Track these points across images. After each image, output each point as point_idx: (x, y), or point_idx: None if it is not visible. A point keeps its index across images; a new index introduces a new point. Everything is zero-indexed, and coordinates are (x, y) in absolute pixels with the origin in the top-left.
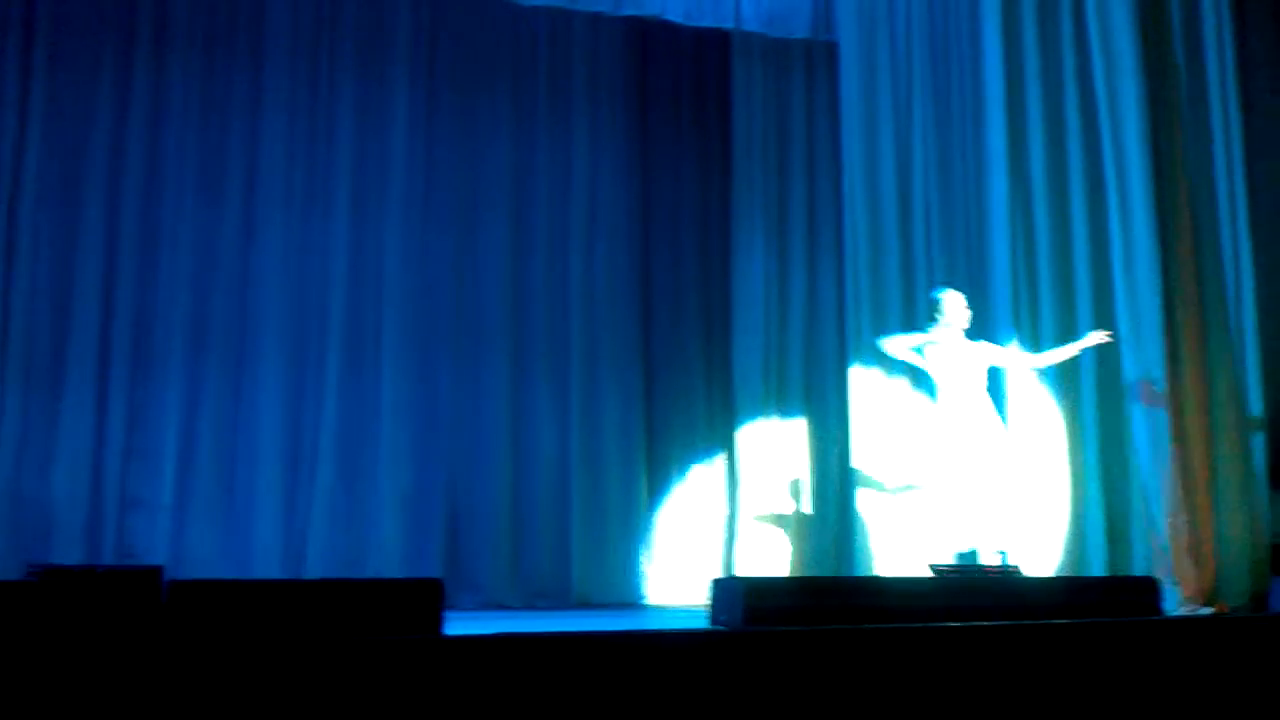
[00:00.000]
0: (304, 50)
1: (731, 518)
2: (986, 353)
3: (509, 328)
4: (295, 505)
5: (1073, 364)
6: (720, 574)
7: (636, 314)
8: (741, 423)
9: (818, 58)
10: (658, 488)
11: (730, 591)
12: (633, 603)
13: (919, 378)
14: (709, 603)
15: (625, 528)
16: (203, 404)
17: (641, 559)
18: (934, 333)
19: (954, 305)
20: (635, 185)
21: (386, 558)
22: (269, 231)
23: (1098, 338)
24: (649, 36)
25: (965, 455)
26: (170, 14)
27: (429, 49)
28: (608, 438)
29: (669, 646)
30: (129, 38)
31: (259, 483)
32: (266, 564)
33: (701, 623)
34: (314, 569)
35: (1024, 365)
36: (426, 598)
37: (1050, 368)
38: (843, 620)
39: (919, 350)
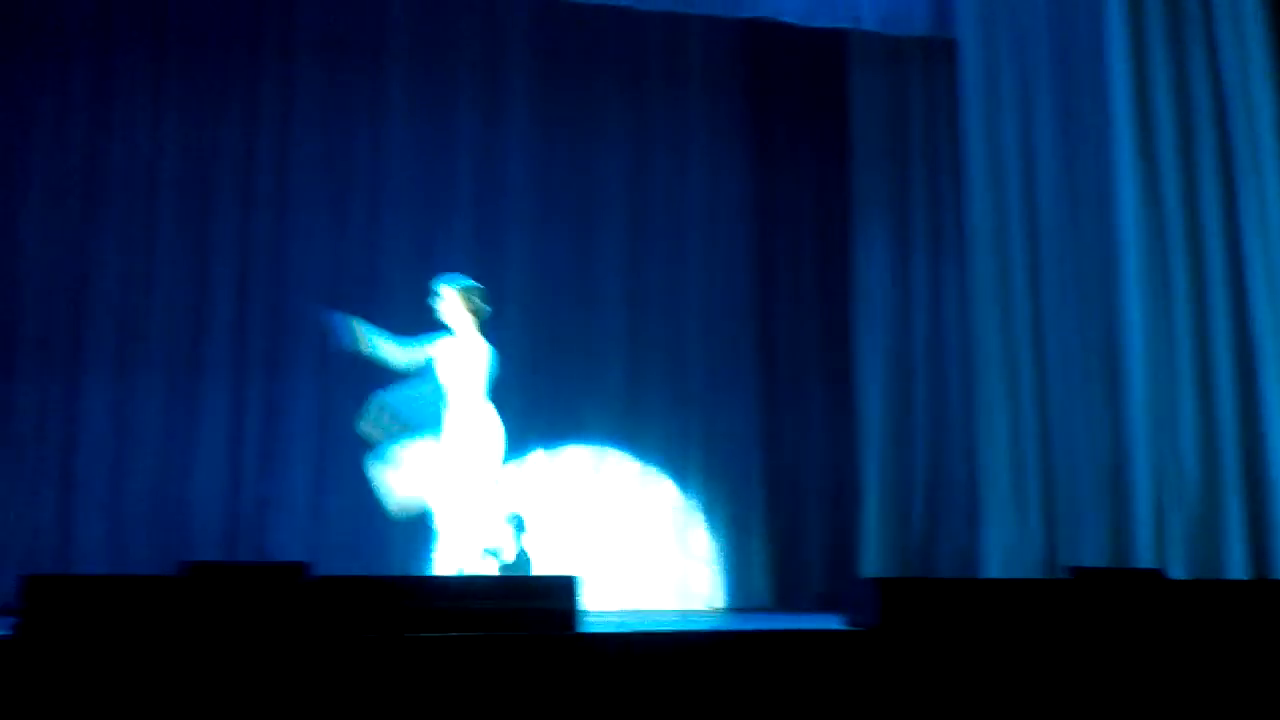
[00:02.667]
0: (424, 58)
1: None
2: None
3: (626, 333)
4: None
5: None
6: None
7: (754, 318)
8: (863, 425)
9: (936, 55)
10: (778, 492)
11: (865, 592)
12: (760, 605)
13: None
14: (846, 603)
15: (745, 534)
16: (335, 404)
17: (762, 561)
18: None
19: (450, 300)
20: (752, 188)
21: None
22: (394, 236)
23: None
24: (765, 38)
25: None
26: (295, 23)
27: (546, 56)
28: (725, 439)
29: (805, 645)
30: (256, 46)
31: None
32: (400, 561)
33: (835, 624)
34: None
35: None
36: (563, 594)
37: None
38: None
39: (419, 343)
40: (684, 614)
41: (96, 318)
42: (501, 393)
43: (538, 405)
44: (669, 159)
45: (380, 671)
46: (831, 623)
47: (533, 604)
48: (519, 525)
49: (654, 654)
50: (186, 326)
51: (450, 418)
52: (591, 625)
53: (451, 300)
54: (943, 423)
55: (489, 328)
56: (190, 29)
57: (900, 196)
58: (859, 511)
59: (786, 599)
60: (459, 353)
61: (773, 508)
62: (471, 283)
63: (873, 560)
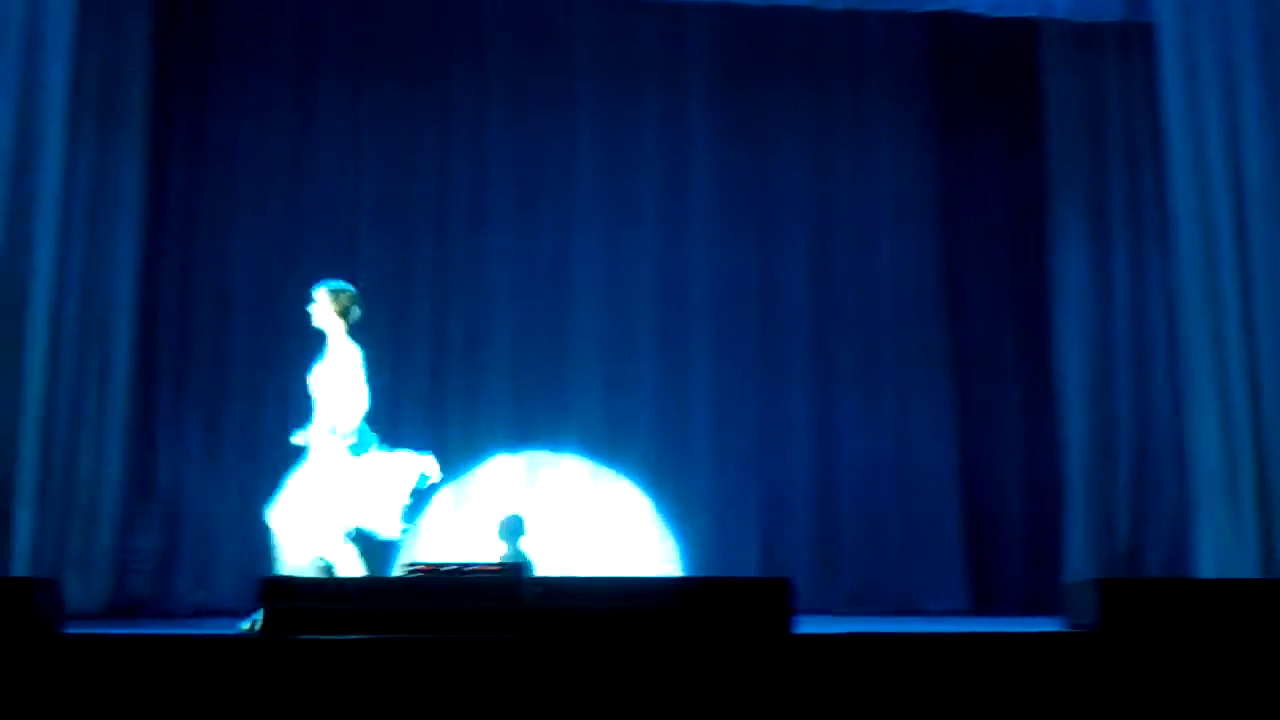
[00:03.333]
0: (608, 67)
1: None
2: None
3: (815, 333)
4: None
5: None
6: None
7: (946, 314)
8: (1064, 421)
9: (1133, 40)
10: (974, 491)
11: (1085, 594)
12: (956, 609)
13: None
14: (1066, 605)
15: (939, 533)
16: (527, 416)
17: (958, 564)
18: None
19: (321, 303)
20: (942, 183)
21: (704, 561)
22: (583, 247)
23: None
24: (950, 30)
25: None
26: (484, 41)
27: (726, 57)
28: (919, 440)
29: (1024, 647)
30: (448, 66)
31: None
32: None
33: (1047, 626)
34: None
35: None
36: (776, 597)
37: None
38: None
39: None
40: (886, 618)
41: (301, 331)
42: (689, 397)
43: (727, 410)
44: (853, 159)
45: (593, 671)
46: (1043, 625)
47: (743, 606)
48: (517, 529)
49: (872, 656)
50: (387, 336)
51: (313, 426)
52: (804, 628)
53: (323, 303)
54: (1148, 421)
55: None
56: (385, 52)
57: (1098, 189)
58: (1062, 513)
59: (983, 602)
60: (328, 358)
61: (969, 510)
62: (343, 284)
63: (1077, 562)
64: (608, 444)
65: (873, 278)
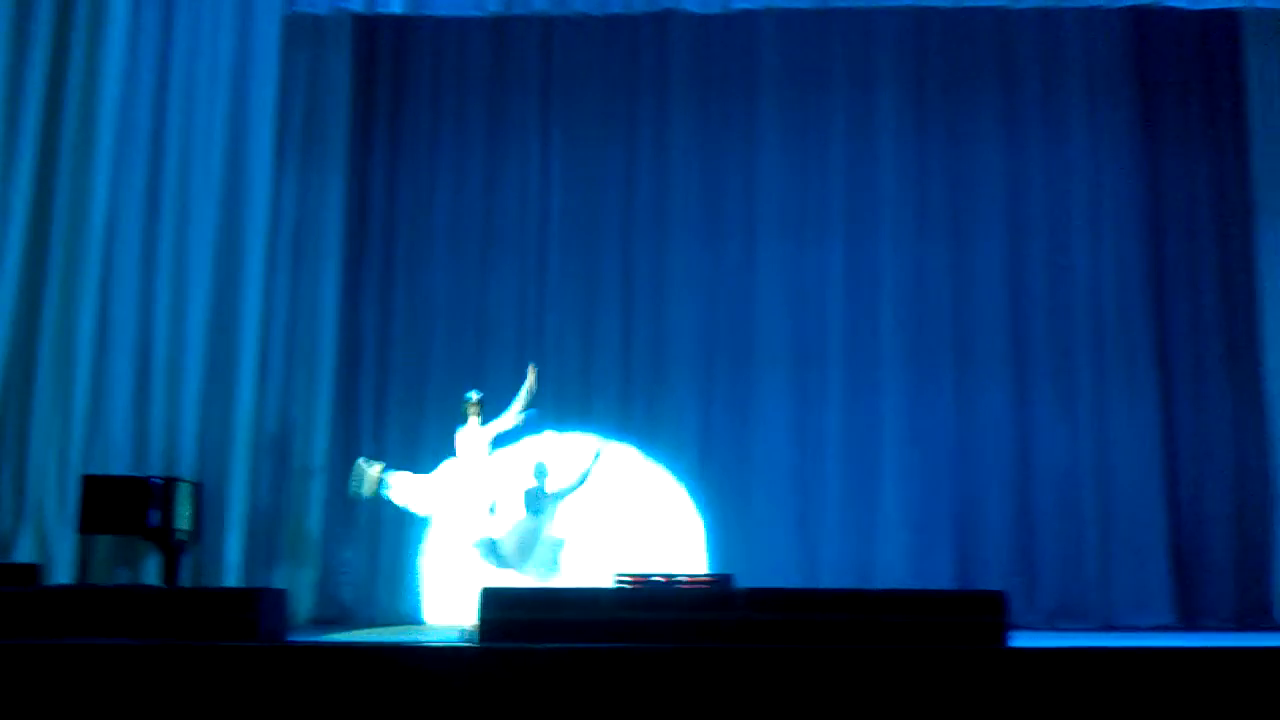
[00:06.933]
0: (794, 76)
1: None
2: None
3: (1010, 337)
4: (806, 520)
5: None
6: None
7: (1148, 316)
8: (1273, 426)
9: None
10: (1178, 502)
11: None
12: (1162, 625)
13: None
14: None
15: (1141, 547)
16: (715, 426)
17: (1164, 578)
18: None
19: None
20: (1142, 180)
21: (895, 573)
22: (769, 256)
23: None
24: (1149, 24)
25: None
26: (669, 59)
27: (915, 61)
28: (1120, 448)
29: (1237, 663)
30: (633, 86)
31: (772, 499)
32: (784, 575)
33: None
34: (826, 580)
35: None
36: (990, 610)
37: None
38: None
39: None
40: (1089, 633)
41: (492, 350)
42: (880, 407)
43: (920, 420)
44: (1048, 157)
45: (808, 681)
46: (1258, 640)
47: (959, 618)
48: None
49: (1087, 670)
50: (578, 351)
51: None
52: (1019, 640)
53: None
54: None
55: None
56: (572, 71)
57: None
58: (1271, 524)
59: (1190, 616)
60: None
61: (1173, 520)
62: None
63: None
64: (798, 457)
65: (1071, 281)
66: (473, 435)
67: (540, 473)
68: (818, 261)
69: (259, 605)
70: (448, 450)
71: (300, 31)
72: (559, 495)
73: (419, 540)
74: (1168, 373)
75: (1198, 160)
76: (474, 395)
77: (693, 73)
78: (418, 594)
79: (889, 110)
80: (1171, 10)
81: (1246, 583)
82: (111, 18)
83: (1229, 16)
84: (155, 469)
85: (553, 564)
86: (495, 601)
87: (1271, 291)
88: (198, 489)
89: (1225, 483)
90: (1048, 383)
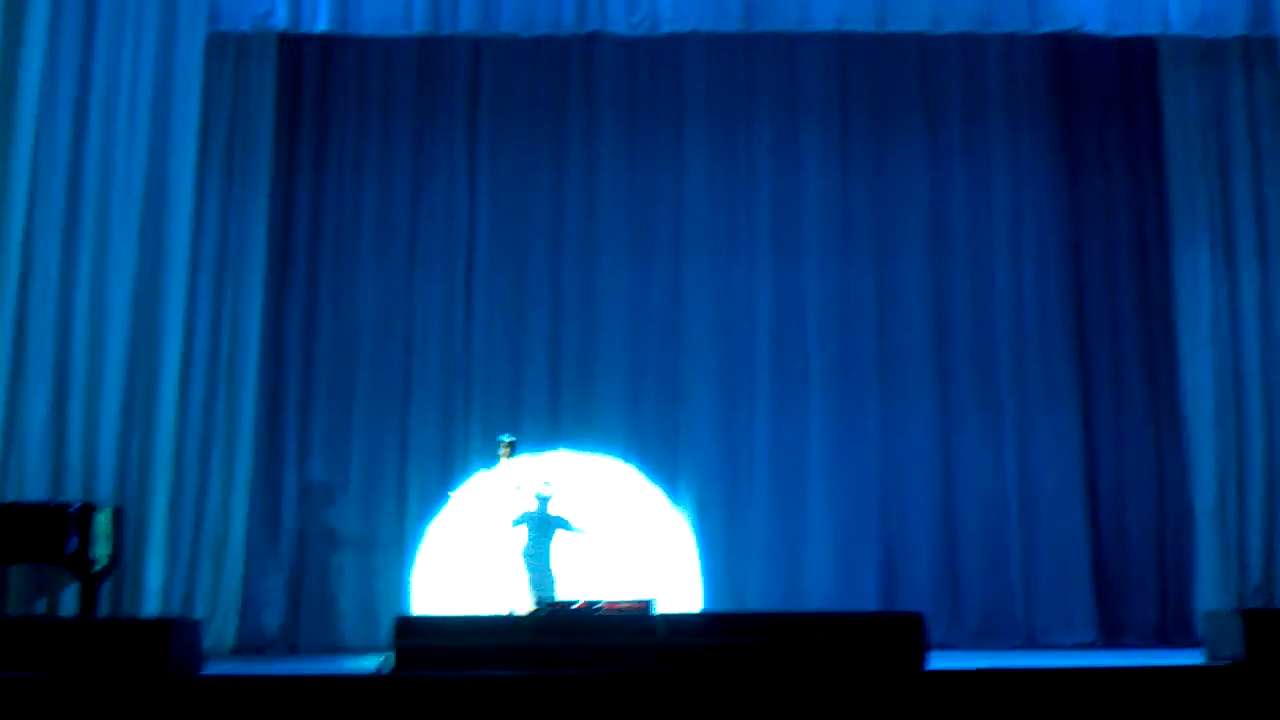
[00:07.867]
0: (720, 98)
1: (1188, 550)
2: None
3: (934, 359)
4: (734, 541)
5: None
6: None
7: (1069, 337)
8: (1192, 446)
9: (1255, 54)
10: (1100, 520)
11: (1229, 625)
12: (1085, 642)
13: None
14: (1208, 638)
15: (1064, 564)
16: (642, 444)
17: (1086, 597)
18: None
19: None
20: (1062, 203)
21: (822, 593)
22: (696, 277)
23: None
24: (1069, 50)
25: None
26: (597, 80)
27: (839, 85)
28: (1042, 468)
29: (1161, 681)
30: (560, 106)
31: (699, 520)
32: (709, 597)
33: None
34: (753, 602)
35: None
36: (909, 631)
37: None
38: None
39: None
40: (1013, 653)
41: (418, 375)
42: (807, 428)
43: (845, 441)
44: (970, 181)
45: (725, 706)
46: (1179, 658)
47: (878, 639)
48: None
49: (1007, 692)
50: (504, 373)
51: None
52: (941, 660)
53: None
54: None
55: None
56: (500, 90)
57: (1223, 207)
58: (1191, 541)
59: (1112, 634)
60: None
61: (1096, 540)
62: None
63: (1208, 593)
64: (726, 478)
65: (993, 303)
66: (503, 474)
67: (542, 498)
68: (745, 282)
69: (170, 637)
70: (374, 468)
71: (225, 48)
72: (562, 524)
73: (341, 566)
74: (1088, 393)
75: (1116, 183)
76: (506, 438)
77: (620, 93)
78: (341, 619)
79: (814, 133)
80: (1090, 38)
81: (1168, 600)
82: (30, 36)
83: (1146, 43)
84: (73, 492)
85: (549, 584)
86: (410, 629)
87: (1188, 311)
88: (117, 513)
89: (1147, 501)
90: (971, 403)
